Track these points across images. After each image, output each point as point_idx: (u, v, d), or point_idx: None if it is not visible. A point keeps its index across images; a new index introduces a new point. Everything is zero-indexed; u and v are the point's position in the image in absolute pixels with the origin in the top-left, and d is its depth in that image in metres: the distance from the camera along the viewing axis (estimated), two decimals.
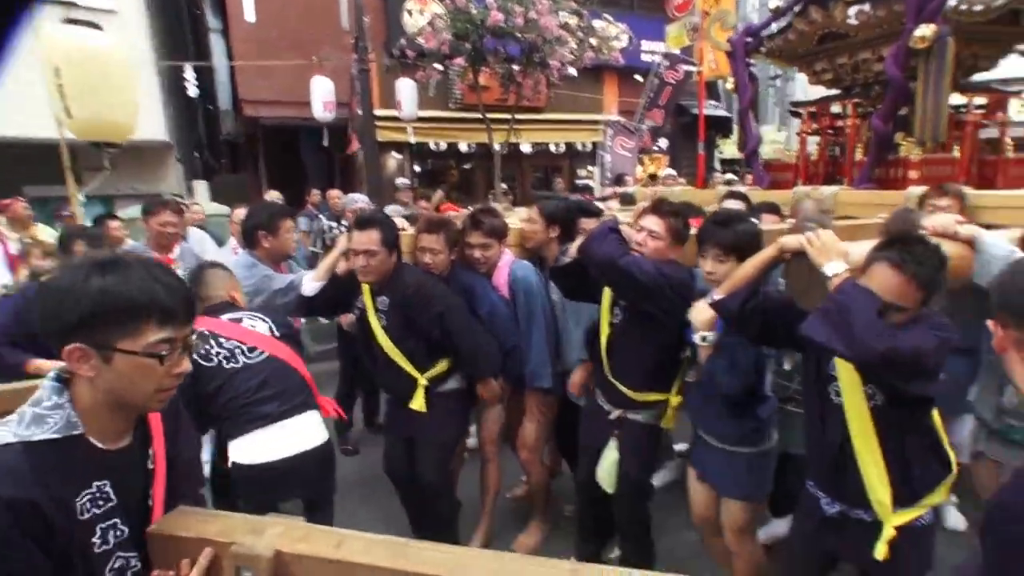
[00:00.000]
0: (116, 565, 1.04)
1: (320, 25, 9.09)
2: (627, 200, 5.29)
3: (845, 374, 1.67)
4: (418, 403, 2.55)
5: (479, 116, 8.28)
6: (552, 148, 12.31)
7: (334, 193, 6.79)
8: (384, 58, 9.34)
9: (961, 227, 1.93)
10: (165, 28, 10.29)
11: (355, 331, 2.97)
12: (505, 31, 7.04)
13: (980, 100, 3.99)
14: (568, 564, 1.03)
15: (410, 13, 10.13)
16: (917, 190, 3.20)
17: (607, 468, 2.36)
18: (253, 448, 2.08)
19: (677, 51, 10.37)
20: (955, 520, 2.84)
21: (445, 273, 2.63)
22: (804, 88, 10.69)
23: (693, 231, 2.17)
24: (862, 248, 1.63)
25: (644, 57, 11.72)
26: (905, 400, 1.58)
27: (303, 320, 3.59)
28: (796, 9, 4.15)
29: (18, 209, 5.36)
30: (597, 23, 8.25)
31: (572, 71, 7.75)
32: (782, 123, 18.32)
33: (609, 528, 2.65)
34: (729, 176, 8.44)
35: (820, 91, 4.78)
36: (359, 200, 5.76)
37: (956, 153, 3.78)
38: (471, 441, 3.38)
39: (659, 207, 2.15)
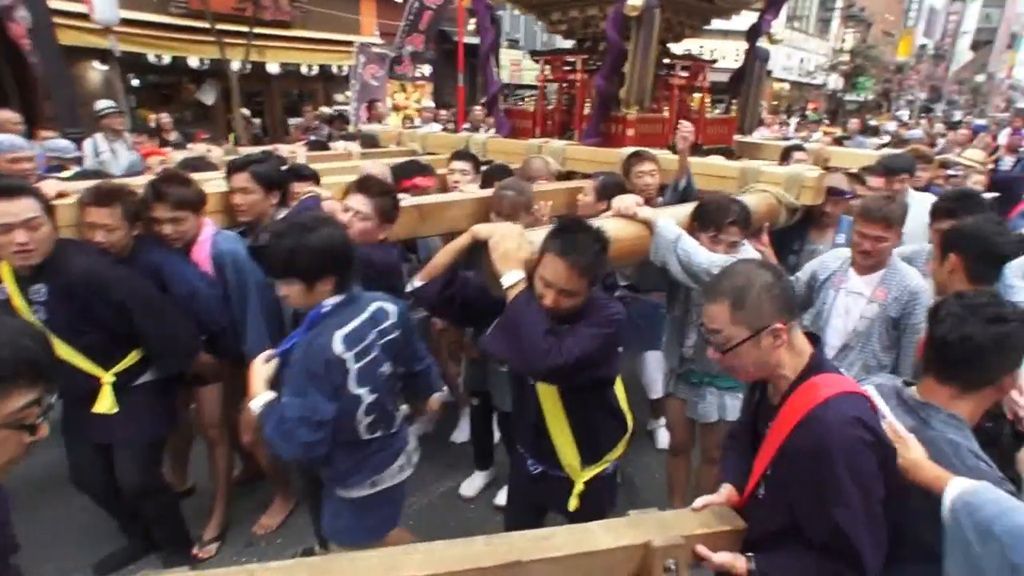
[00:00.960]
0: None
1: None
2: (369, 142, 4.99)
3: None
4: (105, 405, 2.16)
5: (208, 26, 6.99)
6: (304, 70, 11.18)
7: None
8: None
9: (640, 209, 2.15)
10: None
11: None
12: None
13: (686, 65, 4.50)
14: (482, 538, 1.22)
15: None
16: (628, 150, 3.55)
17: None
18: None
19: None
20: (663, 440, 3.41)
21: (126, 253, 2.17)
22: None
23: (412, 199, 2.09)
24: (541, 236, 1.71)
25: None
26: (588, 385, 1.75)
27: None
28: None
29: None
30: None
31: None
32: None
33: None
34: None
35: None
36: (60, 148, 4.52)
37: (666, 113, 4.26)
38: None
39: (366, 185, 1.99)
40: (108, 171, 4.31)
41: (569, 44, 4.58)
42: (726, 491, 1.44)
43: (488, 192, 2.86)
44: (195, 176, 2.51)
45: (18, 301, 2.04)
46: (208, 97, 10.47)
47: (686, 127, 3.11)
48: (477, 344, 2.58)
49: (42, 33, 5.84)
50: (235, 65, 7.24)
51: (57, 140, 5.07)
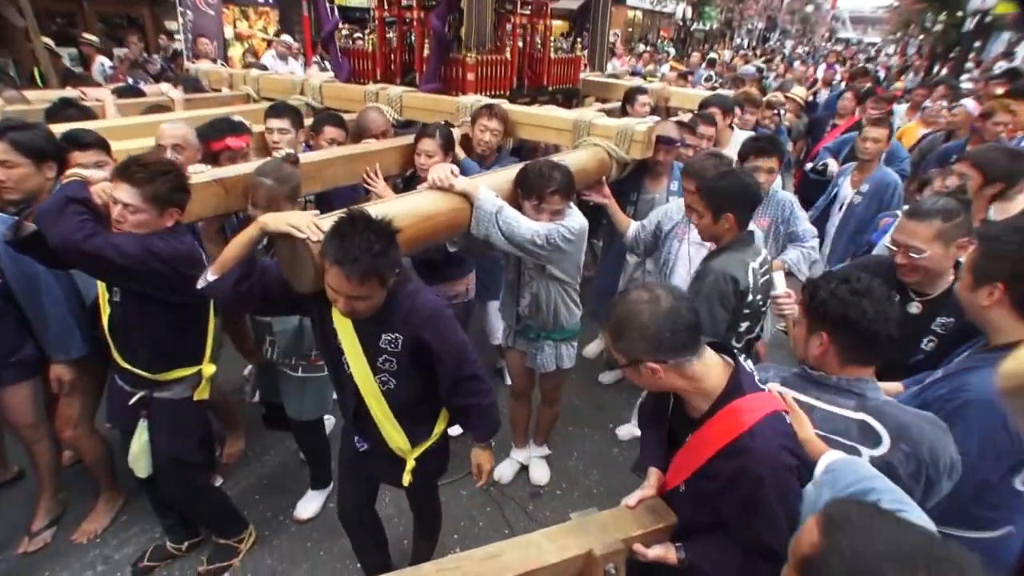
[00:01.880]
0: None
1: None
2: (193, 86, 4.40)
3: (351, 348, 1.74)
4: None
5: None
6: None
7: None
8: None
9: (457, 181, 2.09)
10: None
11: None
12: None
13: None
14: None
15: None
16: (468, 100, 3.43)
17: (137, 452, 2.15)
18: None
19: None
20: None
21: None
22: None
23: (212, 172, 1.85)
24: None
25: None
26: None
27: None
28: None
29: None
30: None
31: None
32: None
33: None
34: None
35: None
36: None
37: (509, 55, 4.11)
38: None
39: (128, 172, 1.74)
40: None
41: None
42: (654, 478, 1.48)
43: (319, 155, 2.68)
44: None
45: None
46: None
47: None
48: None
49: None
50: None
51: None
